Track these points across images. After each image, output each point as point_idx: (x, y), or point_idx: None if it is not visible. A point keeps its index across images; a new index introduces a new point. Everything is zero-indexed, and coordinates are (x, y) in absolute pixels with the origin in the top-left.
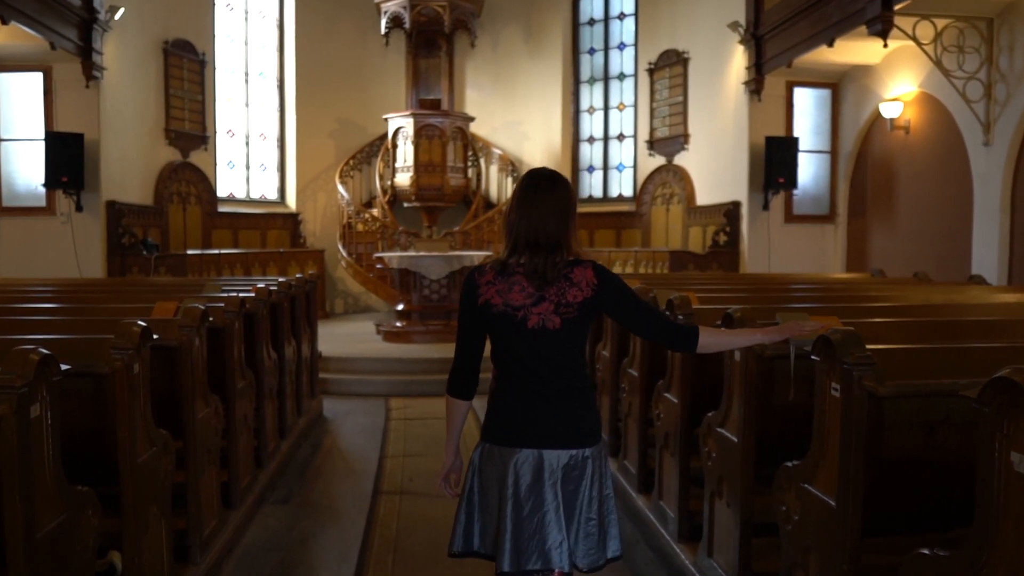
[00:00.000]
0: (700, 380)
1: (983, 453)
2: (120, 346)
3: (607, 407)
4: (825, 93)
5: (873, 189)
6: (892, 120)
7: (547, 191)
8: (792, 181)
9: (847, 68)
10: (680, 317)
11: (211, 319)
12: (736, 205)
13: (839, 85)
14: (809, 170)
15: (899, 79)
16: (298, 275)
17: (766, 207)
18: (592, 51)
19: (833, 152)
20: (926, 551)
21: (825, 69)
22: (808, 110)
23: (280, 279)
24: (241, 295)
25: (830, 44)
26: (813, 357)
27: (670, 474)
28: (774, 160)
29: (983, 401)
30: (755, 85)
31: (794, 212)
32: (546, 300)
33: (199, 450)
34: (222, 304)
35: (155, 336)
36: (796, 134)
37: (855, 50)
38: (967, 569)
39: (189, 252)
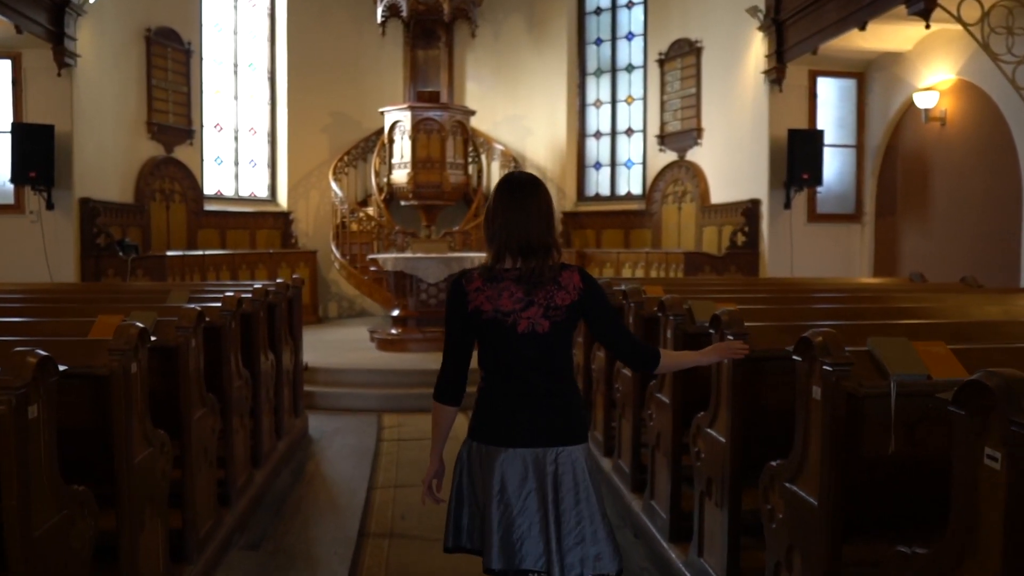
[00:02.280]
0: (755, 414)
1: None
2: (5, 384)
3: (627, 433)
4: (850, 83)
5: (904, 186)
6: (927, 111)
7: (530, 194)
8: (817, 177)
9: (875, 56)
10: (730, 337)
11: (154, 338)
12: (755, 203)
13: (865, 75)
14: (833, 166)
15: (934, 66)
16: (279, 279)
17: (788, 205)
18: (599, 41)
19: (859, 147)
20: None
21: (850, 57)
22: (831, 102)
23: (256, 284)
24: (204, 305)
25: (862, 27)
26: (953, 409)
27: (715, 525)
28: (797, 155)
29: None
30: (776, 74)
31: (818, 211)
32: (535, 304)
33: (136, 500)
34: (176, 318)
35: (62, 368)
36: (819, 127)
37: (886, 35)
38: None
39: (169, 253)
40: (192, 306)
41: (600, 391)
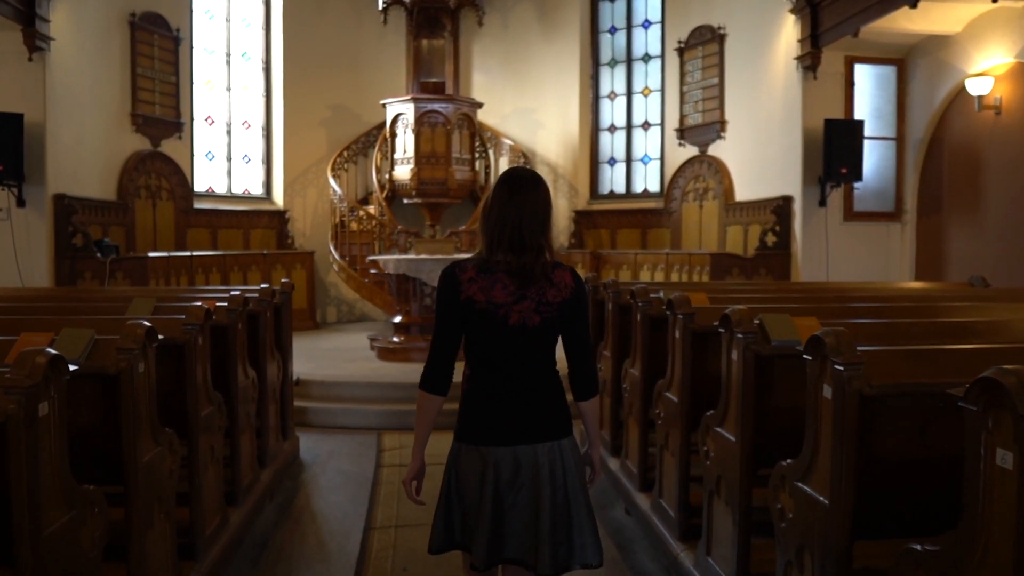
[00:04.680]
0: (869, 467)
1: None
2: None
3: (671, 467)
4: (888, 71)
5: (951, 181)
6: (980, 98)
7: (529, 190)
8: (857, 171)
9: (919, 40)
10: (839, 368)
11: (74, 368)
12: (787, 200)
13: (906, 60)
14: (870, 160)
15: (988, 50)
16: (263, 285)
17: (823, 202)
18: (613, 30)
19: (899, 139)
20: None
21: (891, 42)
22: (867, 91)
23: (234, 291)
24: (166, 317)
25: (913, 5)
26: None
27: None
28: (835, 147)
29: None
30: (810, 60)
31: (855, 209)
32: (527, 299)
33: None
34: (117, 336)
35: None
36: (856, 118)
37: (936, 15)
38: None
39: (152, 255)
40: (140, 320)
41: (633, 413)
